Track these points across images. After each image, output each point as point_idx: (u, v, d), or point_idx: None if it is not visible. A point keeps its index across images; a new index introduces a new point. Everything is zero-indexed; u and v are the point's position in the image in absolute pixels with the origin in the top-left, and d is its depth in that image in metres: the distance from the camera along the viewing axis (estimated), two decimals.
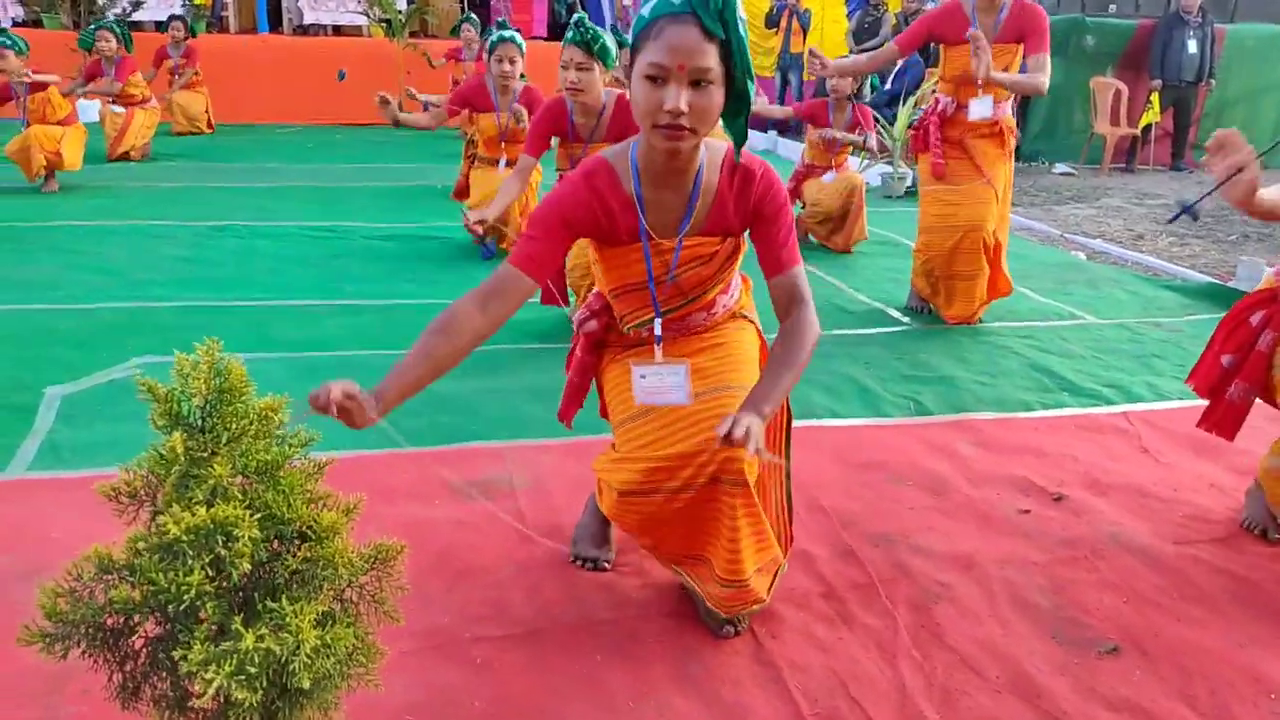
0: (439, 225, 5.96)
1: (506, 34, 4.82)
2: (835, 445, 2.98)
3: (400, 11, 12.06)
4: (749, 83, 1.64)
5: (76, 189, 6.75)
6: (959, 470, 2.82)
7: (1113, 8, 10.03)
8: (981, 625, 2.08)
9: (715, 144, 1.83)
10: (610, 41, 3.63)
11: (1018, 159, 9.79)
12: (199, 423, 1.05)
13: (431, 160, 8.78)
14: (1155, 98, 9.66)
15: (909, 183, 7.61)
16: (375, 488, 2.52)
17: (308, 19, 12.60)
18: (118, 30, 8.00)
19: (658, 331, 1.90)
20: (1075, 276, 5.30)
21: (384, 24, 11.89)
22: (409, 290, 4.61)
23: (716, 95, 1.63)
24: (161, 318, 4.02)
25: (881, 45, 11.81)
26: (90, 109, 8.93)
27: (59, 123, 6.57)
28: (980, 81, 3.91)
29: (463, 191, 5.60)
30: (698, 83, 1.60)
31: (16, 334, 3.76)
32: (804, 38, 12.24)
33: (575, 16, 3.66)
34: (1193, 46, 9.53)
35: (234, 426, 1.05)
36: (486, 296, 1.69)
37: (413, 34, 11.79)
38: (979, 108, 4.08)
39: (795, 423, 3.11)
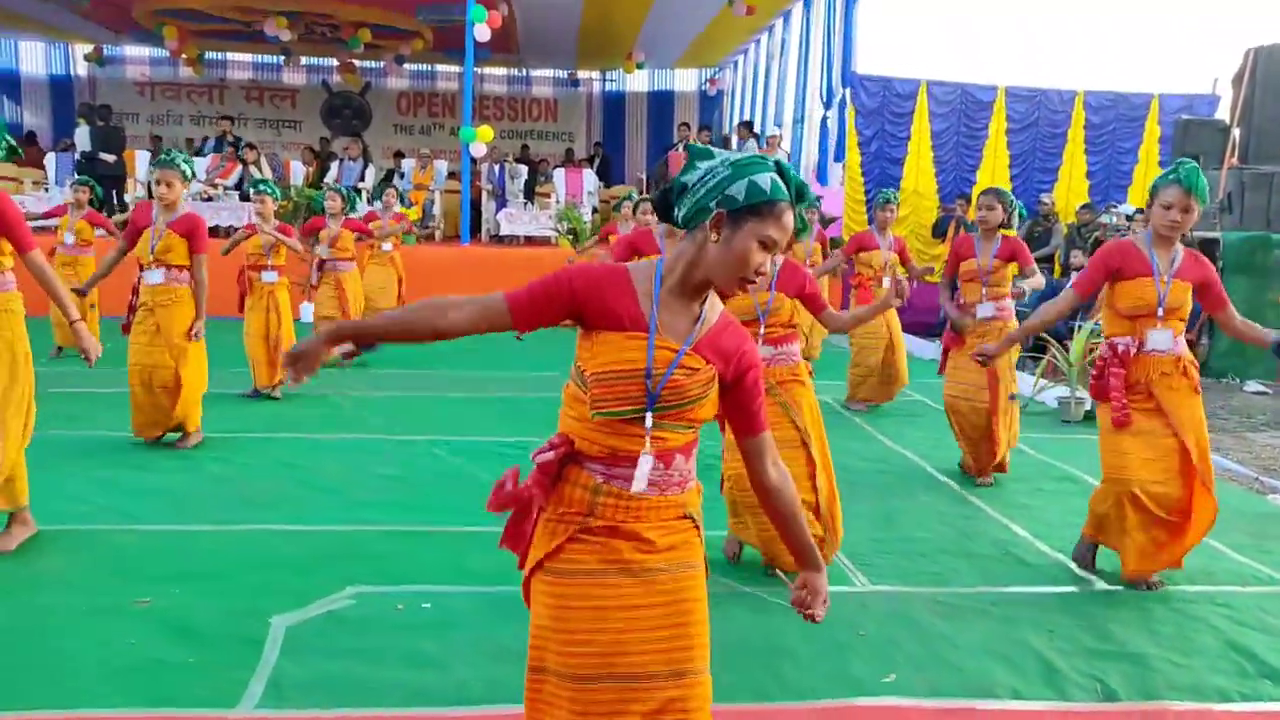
0: None
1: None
2: None
3: (585, 222, 13.08)
4: None
5: (297, 397, 7.52)
6: None
7: None
8: None
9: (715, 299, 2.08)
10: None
11: (1206, 374, 9.51)
12: None
13: None
14: None
15: (1088, 406, 7.46)
16: None
17: (504, 230, 13.82)
18: (344, 192, 9.17)
19: (649, 423, 1.95)
20: (1275, 530, 5.03)
21: (570, 234, 12.89)
22: None
23: None
24: (373, 544, 4.41)
25: (1052, 255, 11.90)
26: (306, 311, 9.97)
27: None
28: (1162, 313, 3.97)
29: None
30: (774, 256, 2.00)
31: (245, 557, 4.20)
32: None
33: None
34: None
35: None
36: (465, 305, 1.97)
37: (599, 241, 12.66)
38: (1158, 338, 4.02)
39: (979, 702, 3.11)
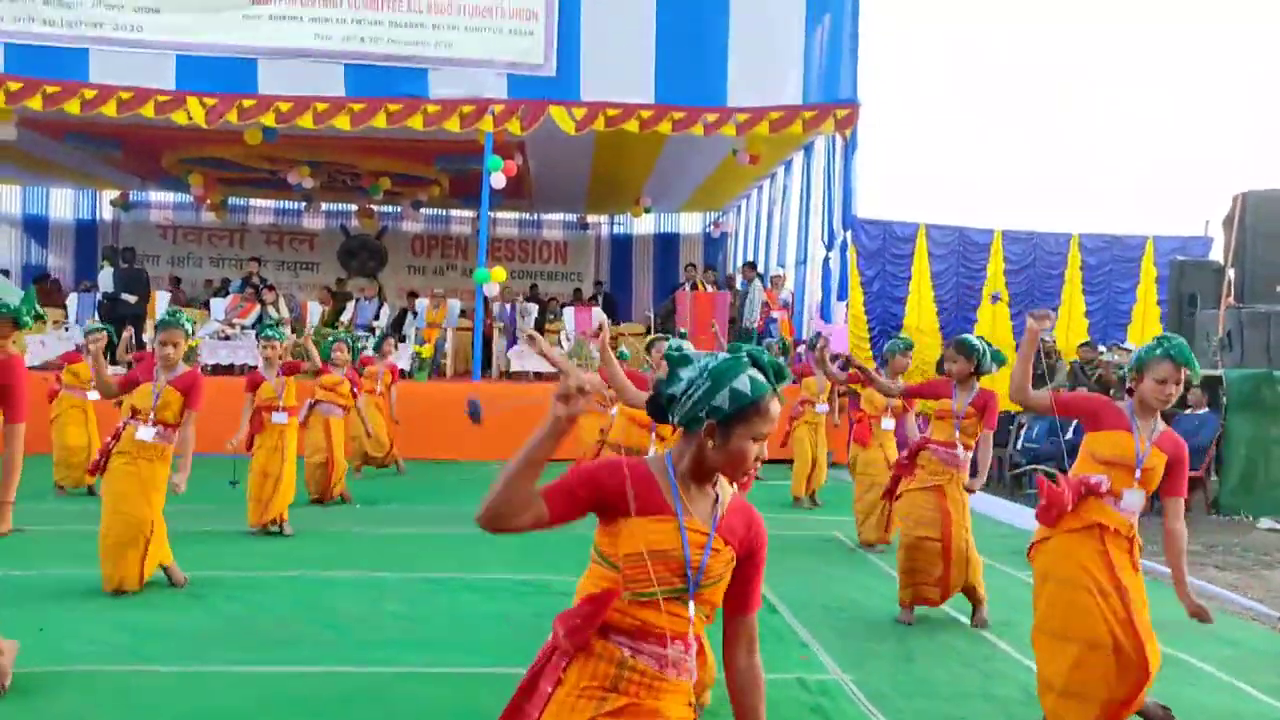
0: None
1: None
2: None
3: (594, 358, 13.28)
4: None
5: (305, 534, 7.52)
6: None
7: None
8: None
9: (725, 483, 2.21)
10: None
11: (1217, 512, 9.47)
12: None
13: None
14: None
15: None
16: None
17: (515, 367, 14.04)
18: (350, 341, 9.30)
19: (691, 611, 2.06)
20: None
21: (581, 369, 13.10)
22: None
23: None
24: (386, 685, 4.35)
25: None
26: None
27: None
28: (1139, 474, 3.83)
29: None
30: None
31: (257, 698, 4.16)
32: None
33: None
34: None
35: None
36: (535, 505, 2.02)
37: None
38: (1133, 499, 3.87)
39: None
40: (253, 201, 20.25)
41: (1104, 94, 34.31)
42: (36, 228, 20.17)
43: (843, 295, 13.35)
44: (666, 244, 21.13)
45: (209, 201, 18.34)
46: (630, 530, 2.05)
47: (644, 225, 20.85)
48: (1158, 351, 3.84)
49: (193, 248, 20.36)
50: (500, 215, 20.20)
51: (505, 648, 4.92)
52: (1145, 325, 13.27)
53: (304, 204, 19.69)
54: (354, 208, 19.74)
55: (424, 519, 8.40)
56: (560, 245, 21.12)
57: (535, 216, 20.80)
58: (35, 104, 12.17)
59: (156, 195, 20.02)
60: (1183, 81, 34.03)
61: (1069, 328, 13.23)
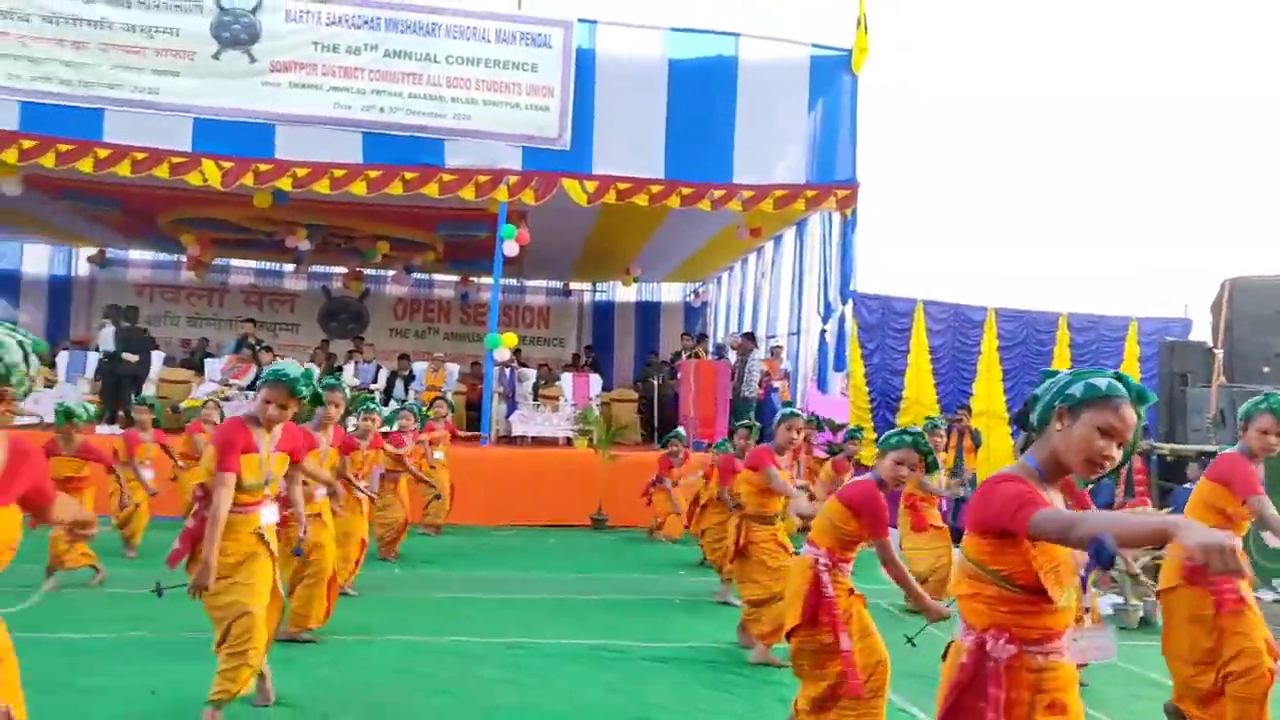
0: (709, 644, 6.35)
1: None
2: None
3: (599, 420, 13.40)
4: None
5: (358, 599, 7.47)
6: None
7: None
8: None
9: None
10: None
11: None
12: None
13: (649, 570, 9.42)
14: None
15: (1142, 613, 7.72)
16: None
17: (516, 431, 14.08)
18: (381, 412, 8.43)
19: (1086, 602, 2.34)
20: None
21: (587, 435, 13.20)
22: None
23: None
24: None
25: None
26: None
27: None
28: None
29: None
30: (1120, 444, 2.32)
31: None
32: (975, 454, 13.02)
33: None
34: None
35: None
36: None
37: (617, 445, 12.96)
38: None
39: None
40: (233, 261, 20.14)
41: (1091, 182, 35.95)
42: (7, 282, 19.74)
43: (840, 366, 13.73)
44: (647, 312, 21.47)
45: (199, 261, 18.19)
46: (1042, 549, 2.31)
47: (626, 293, 21.18)
48: (1263, 406, 4.37)
49: (169, 306, 20.09)
50: (484, 280, 20.36)
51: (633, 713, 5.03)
52: None
53: (293, 265, 19.63)
54: (340, 270, 19.73)
55: (472, 585, 8.36)
56: (543, 310, 21.32)
57: (519, 282, 21.01)
58: (48, 162, 12.09)
59: (134, 253, 19.81)
60: (1164, 173, 35.86)
61: None
